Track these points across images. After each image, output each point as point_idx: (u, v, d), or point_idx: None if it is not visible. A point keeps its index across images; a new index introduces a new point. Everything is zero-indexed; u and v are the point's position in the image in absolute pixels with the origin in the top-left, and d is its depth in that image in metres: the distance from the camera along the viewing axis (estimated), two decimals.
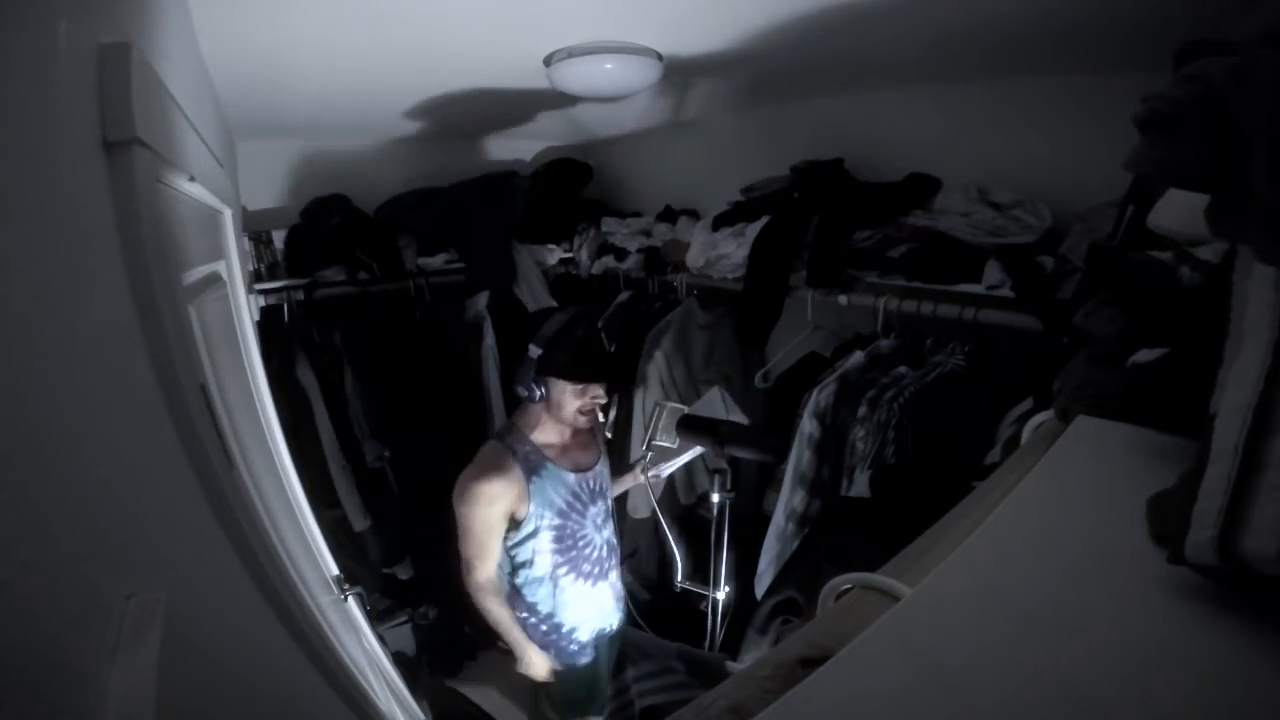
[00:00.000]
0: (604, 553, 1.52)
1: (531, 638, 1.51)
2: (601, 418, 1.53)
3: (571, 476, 1.45)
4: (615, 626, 1.58)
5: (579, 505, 1.46)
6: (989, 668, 0.38)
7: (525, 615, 1.50)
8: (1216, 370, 0.45)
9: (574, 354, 1.41)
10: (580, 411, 1.42)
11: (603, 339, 1.50)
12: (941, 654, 0.40)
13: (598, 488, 1.52)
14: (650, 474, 1.56)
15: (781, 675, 0.42)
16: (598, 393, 1.44)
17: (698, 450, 1.49)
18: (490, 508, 1.37)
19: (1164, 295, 0.70)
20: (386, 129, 2.18)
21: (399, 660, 1.88)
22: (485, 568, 1.42)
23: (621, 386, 1.97)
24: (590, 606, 1.51)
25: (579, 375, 1.40)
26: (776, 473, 1.54)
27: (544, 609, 1.47)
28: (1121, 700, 0.35)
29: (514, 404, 2.02)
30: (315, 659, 0.73)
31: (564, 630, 1.49)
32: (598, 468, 1.53)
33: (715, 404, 1.58)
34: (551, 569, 1.45)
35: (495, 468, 1.40)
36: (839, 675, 0.39)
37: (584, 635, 1.51)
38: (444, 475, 1.43)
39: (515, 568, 1.47)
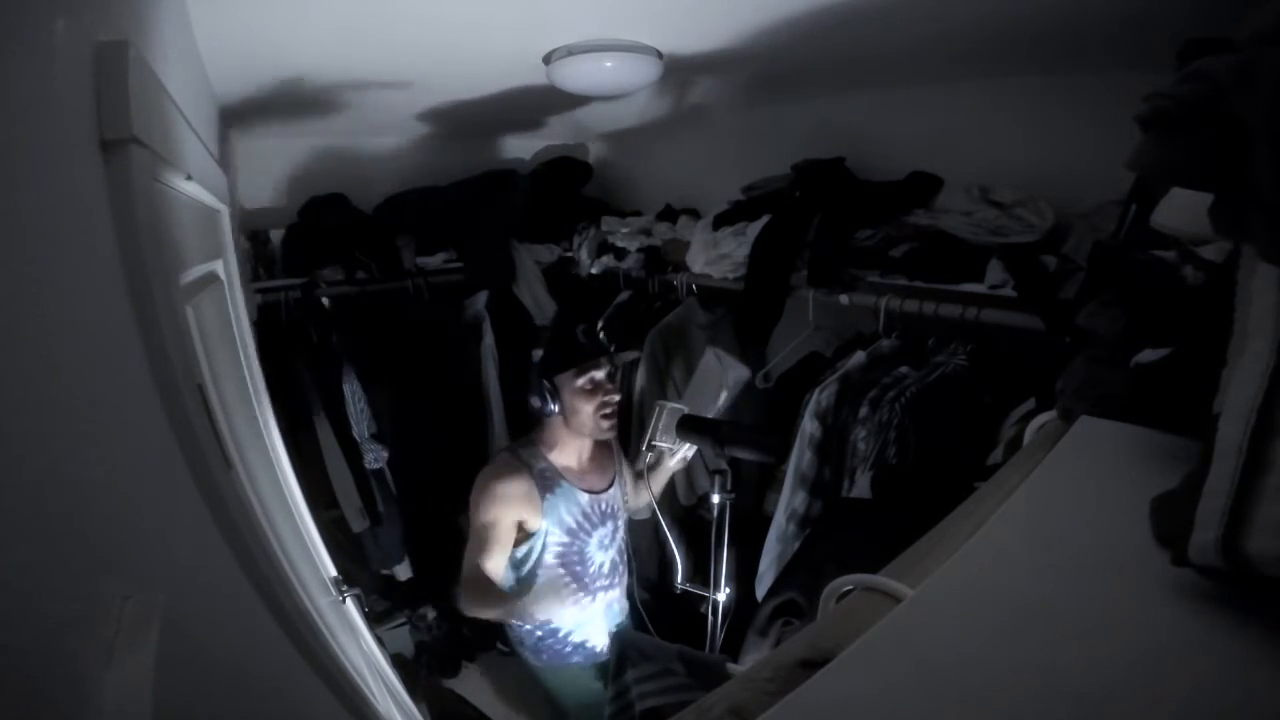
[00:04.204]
0: (605, 569, 1.53)
1: (525, 642, 1.52)
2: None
3: (585, 497, 1.47)
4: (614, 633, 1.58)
5: (588, 526, 1.47)
6: (991, 669, 0.38)
7: (519, 623, 1.50)
8: (1220, 370, 0.45)
9: (568, 344, 1.42)
10: (600, 416, 1.42)
11: (598, 330, 1.49)
12: (943, 656, 0.40)
13: (609, 509, 1.53)
14: (666, 459, 1.52)
15: (782, 677, 0.42)
16: (609, 390, 1.43)
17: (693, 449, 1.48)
18: (504, 507, 1.37)
19: (1167, 295, 0.70)
20: (385, 127, 2.18)
21: (397, 662, 1.87)
22: (484, 569, 1.38)
23: (626, 377, 1.96)
24: (587, 617, 1.52)
25: (575, 358, 1.40)
26: (777, 473, 1.54)
27: (541, 617, 1.48)
28: (1125, 702, 0.35)
29: (514, 406, 2.02)
30: (313, 661, 0.73)
31: (560, 635, 1.50)
32: (612, 490, 1.54)
33: (711, 367, 1.57)
34: (552, 582, 1.46)
35: (513, 472, 1.41)
36: (840, 677, 0.39)
37: (578, 638, 1.52)
38: (443, 476, 1.43)
39: (516, 577, 1.47)
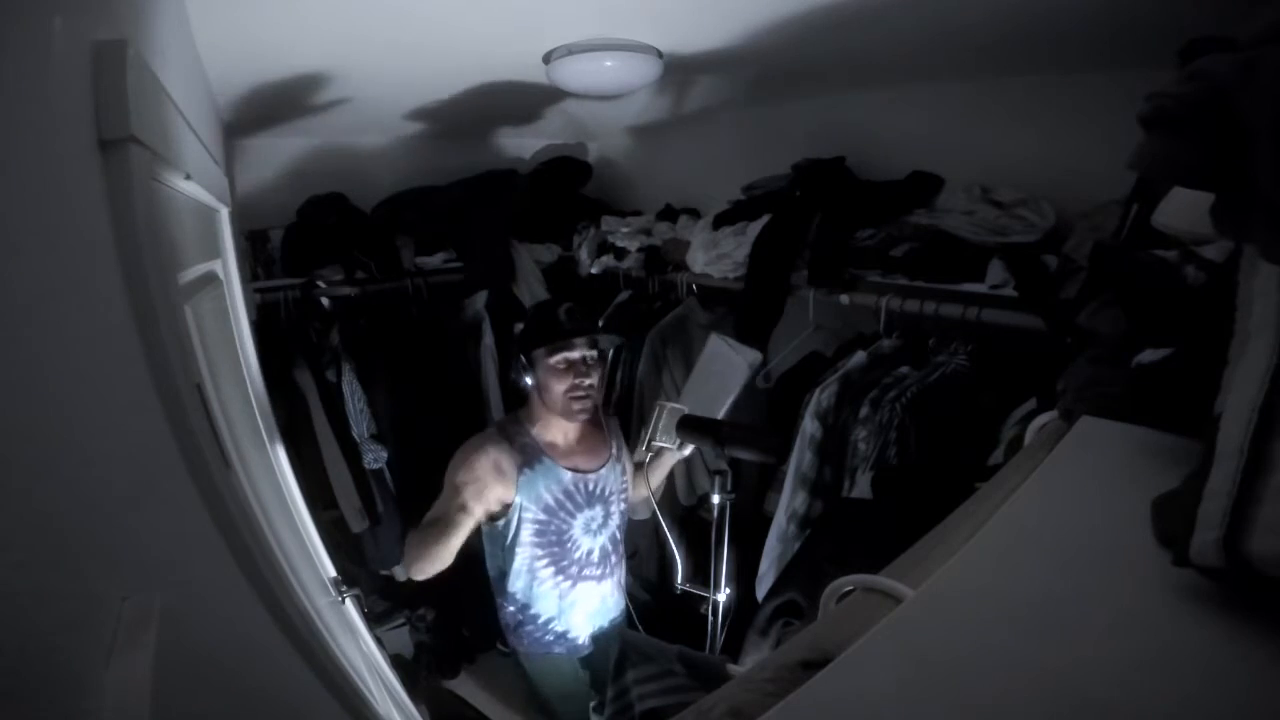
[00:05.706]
0: (594, 557, 1.50)
1: (509, 625, 1.51)
2: (596, 409, 1.49)
3: (568, 475, 1.44)
4: (603, 627, 1.56)
5: (570, 505, 1.45)
6: (992, 670, 0.38)
7: (503, 602, 1.50)
8: (1222, 370, 0.45)
9: (546, 321, 1.42)
10: (571, 398, 1.40)
11: (580, 313, 1.46)
12: (944, 656, 0.40)
13: (598, 491, 1.50)
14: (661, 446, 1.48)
15: (783, 678, 0.41)
16: (582, 372, 1.41)
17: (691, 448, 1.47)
18: (471, 473, 1.36)
19: (1169, 295, 0.70)
20: (385, 127, 2.18)
21: (397, 663, 1.87)
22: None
23: (617, 375, 1.95)
24: (569, 604, 1.50)
25: (549, 336, 1.40)
26: (778, 474, 1.54)
27: (522, 599, 1.48)
28: (1127, 703, 0.35)
29: (513, 404, 2.02)
30: (312, 661, 0.73)
31: (539, 621, 1.49)
32: (602, 472, 1.51)
33: (720, 350, 1.55)
34: (530, 562, 1.44)
35: (492, 444, 1.41)
36: (840, 678, 0.38)
37: (560, 627, 1.50)
38: (443, 476, 1.42)
39: (499, 555, 1.47)
